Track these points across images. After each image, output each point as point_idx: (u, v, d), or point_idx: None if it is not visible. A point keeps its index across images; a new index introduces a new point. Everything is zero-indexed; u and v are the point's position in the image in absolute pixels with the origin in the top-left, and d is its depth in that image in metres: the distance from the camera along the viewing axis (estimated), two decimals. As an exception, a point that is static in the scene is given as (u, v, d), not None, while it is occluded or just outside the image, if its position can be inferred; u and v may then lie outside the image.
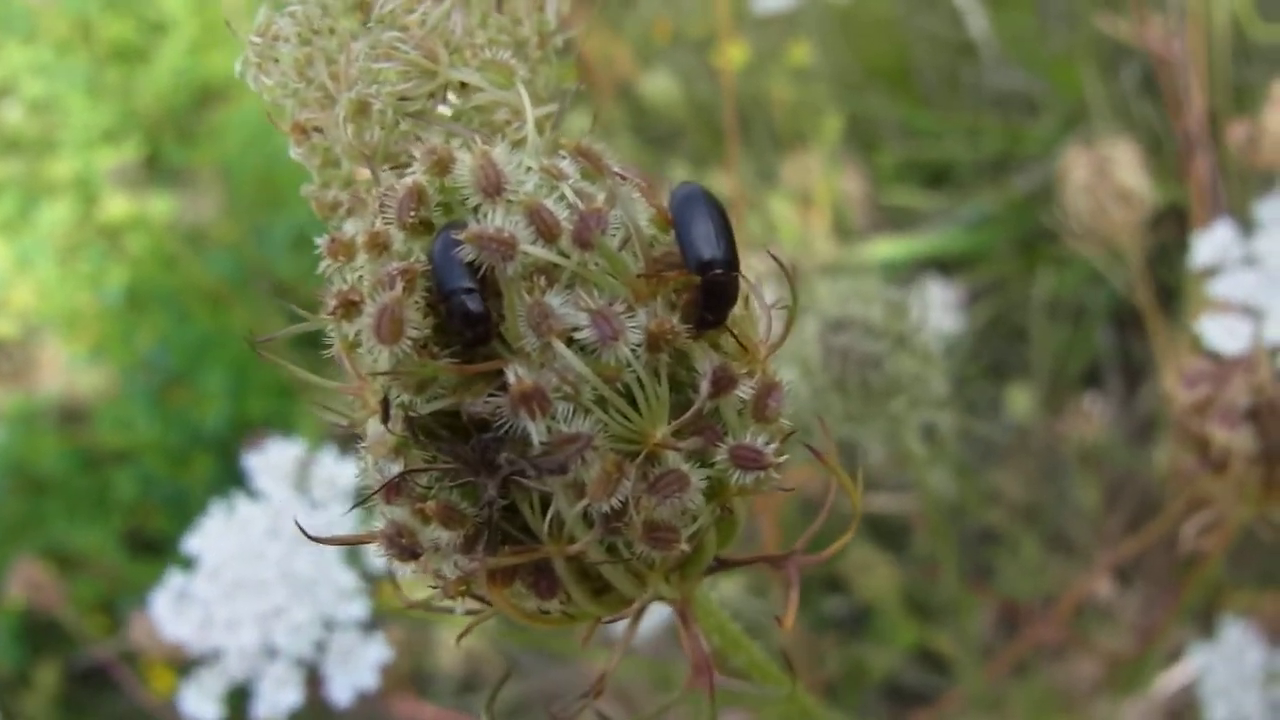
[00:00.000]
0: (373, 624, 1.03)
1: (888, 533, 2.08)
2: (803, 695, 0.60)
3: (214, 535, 1.08)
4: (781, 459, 0.39)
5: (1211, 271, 1.18)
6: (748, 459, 0.38)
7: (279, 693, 0.98)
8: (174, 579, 1.07)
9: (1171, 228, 1.90)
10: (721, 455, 0.39)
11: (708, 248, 0.39)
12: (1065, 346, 2.25)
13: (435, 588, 0.40)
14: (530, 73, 0.48)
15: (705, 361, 0.38)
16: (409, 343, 0.36)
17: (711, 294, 0.39)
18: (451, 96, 0.45)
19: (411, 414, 0.37)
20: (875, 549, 1.90)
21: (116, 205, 2.76)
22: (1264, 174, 1.63)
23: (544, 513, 0.38)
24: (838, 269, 2.30)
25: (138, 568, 2.37)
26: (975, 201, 2.39)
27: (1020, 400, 2.05)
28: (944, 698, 1.86)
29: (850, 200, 2.41)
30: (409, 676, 1.66)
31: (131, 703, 2.00)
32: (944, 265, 2.35)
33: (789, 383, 0.44)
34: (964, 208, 2.41)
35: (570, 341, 0.36)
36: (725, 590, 1.67)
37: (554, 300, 0.36)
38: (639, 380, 0.37)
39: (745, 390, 0.39)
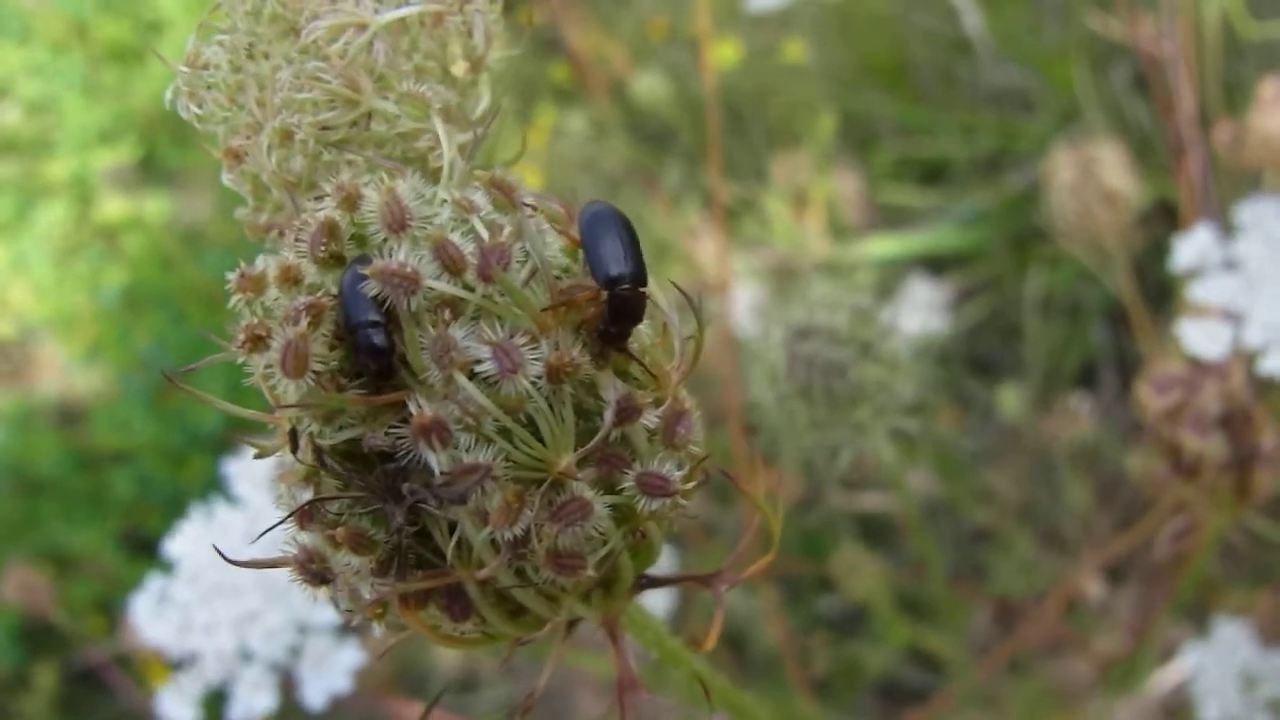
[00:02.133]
0: (353, 629, 1.04)
1: (878, 531, 2.09)
2: (747, 706, 0.60)
3: (194, 538, 1.09)
4: (690, 485, 0.39)
5: (1192, 275, 1.18)
6: (654, 486, 0.39)
7: (254, 696, 0.99)
8: (154, 582, 1.08)
9: (1164, 224, 1.89)
10: (629, 482, 0.39)
11: (615, 264, 0.40)
12: (1060, 344, 2.25)
13: (350, 611, 0.40)
14: (461, 95, 0.49)
15: (610, 390, 0.39)
16: (314, 376, 0.37)
17: (617, 310, 0.40)
18: (375, 124, 0.46)
19: (320, 444, 0.38)
20: (865, 548, 1.91)
21: (113, 206, 2.77)
22: (1254, 173, 1.63)
23: (453, 536, 0.38)
24: (832, 267, 2.30)
25: (135, 568, 2.38)
26: (970, 199, 2.39)
27: (1011, 398, 2.05)
28: (938, 696, 1.86)
29: (845, 198, 2.41)
30: (401, 679, 1.67)
31: (130, 703, 2.01)
32: (939, 263, 2.35)
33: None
34: (959, 205, 2.40)
35: (472, 374, 0.36)
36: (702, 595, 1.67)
37: (457, 333, 0.36)
38: (543, 410, 0.37)
39: (651, 418, 0.40)
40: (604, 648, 0.47)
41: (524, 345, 0.37)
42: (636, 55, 2.55)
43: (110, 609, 2.37)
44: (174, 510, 2.38)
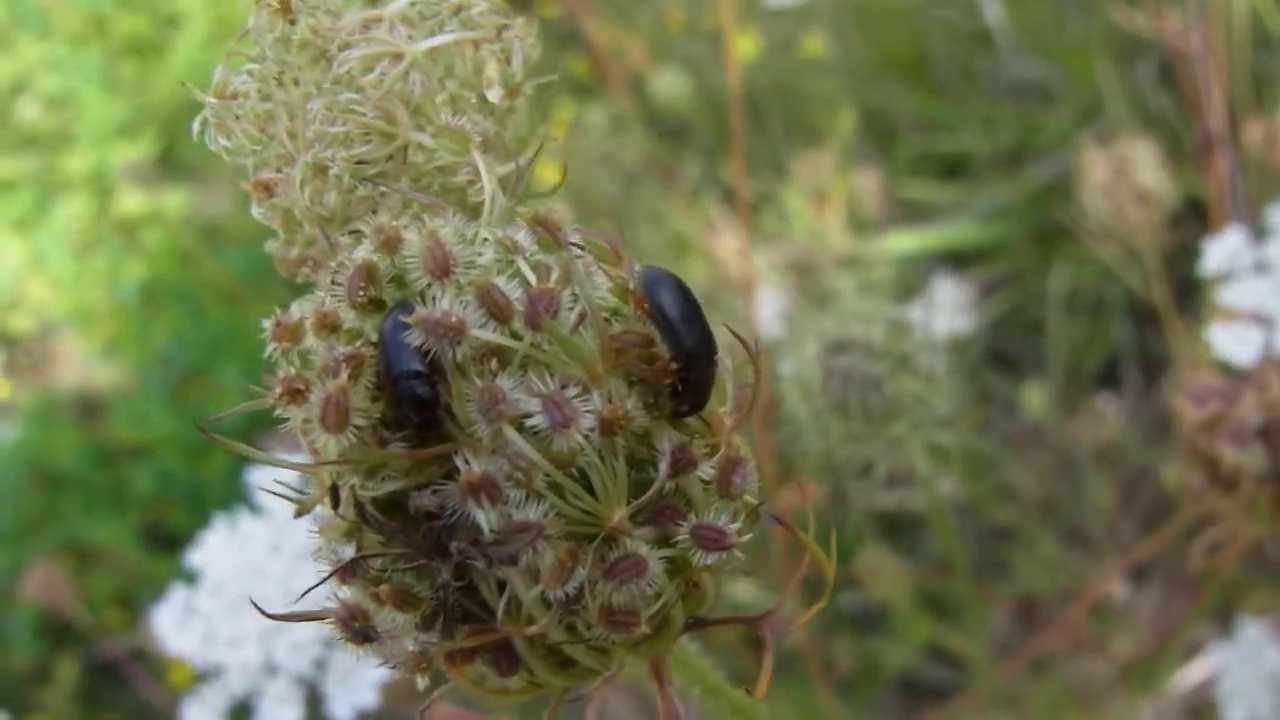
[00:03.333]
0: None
1: (901, 529, 2.07)
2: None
3: (217, 550, 1.08)
4: (744, 538, 0.38)
5: (1223, 278, 1.16)
6: (710, 539, 0.37)
7: (279, 710, 0.98)
8: (178, 592, 1.07)
9: (1191, 222, 1.87)
10: (683, 535, 0.38)
11: (690, 336, 0.39)
12: (1082, 341, 2.23)
13: (393, 666, 0.39)
14: (498, 124, 0.47)
15: (664, 440, 0.37)
16: (356, 430, 0.35)
17: (694, 385, 0.39)
18: (412, 155, 0.44)
19: (361, 498, 0.37)
20: (888, 546, 1.89)
21: (132, 200, 2.77)
22: (1282, 172, 1.61)
23: (502, 592, 0.37)
24: (853, 262, 2.28)
25: (155, 562, 2.38)
26: (991, 193, 2.36)
27: (1035, 397, 2.03)
28: (960, 695, 1.85)
29: (865, 193, 2.40)
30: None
31: (150, 697, 2.01)
32: (960, 258, 2.33)
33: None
34: (979, 200, 2.38)
35: (521, 428, 0.35)
36: (738, 592, 1.67)
37: (505, 384, 0.35)
38: (596, 463, 0.36)
39: (707, 470, 0.38)
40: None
41: (575, 397, 0.35)
42: (655, 49, 2.54)
43: (130, 603, 2.38)
44: (194, 505, 2.39)
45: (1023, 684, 1.84)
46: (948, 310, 1.96)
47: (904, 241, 2.32)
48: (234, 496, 1.14)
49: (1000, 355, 2.28)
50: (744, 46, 2.30)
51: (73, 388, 2.71)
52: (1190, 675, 1.62)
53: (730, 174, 2.38)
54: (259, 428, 2.49)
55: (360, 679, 0.99)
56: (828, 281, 2.05)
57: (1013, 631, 1.99)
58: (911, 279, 2.24)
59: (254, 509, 1.10)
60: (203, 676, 1.04)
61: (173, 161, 2.91)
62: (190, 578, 1.09)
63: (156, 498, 2.51)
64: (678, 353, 0.39)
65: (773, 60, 2.46)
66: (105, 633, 2.14)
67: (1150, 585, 1.95)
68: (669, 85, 1.92)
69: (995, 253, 2.37)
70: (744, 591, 1.69)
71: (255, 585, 1.04)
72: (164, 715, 2.04)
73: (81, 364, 2.73)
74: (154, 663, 1.97)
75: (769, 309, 1.91)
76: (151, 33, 2.99)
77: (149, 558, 2.42)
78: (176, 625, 1.05)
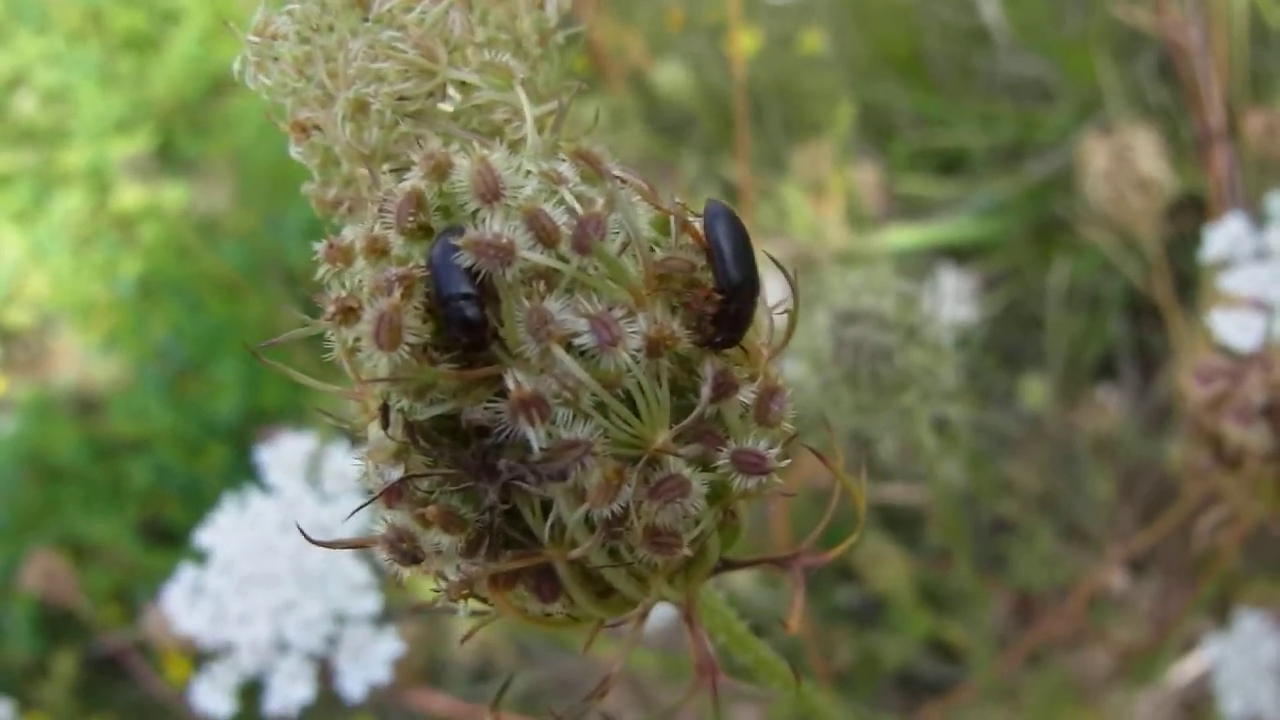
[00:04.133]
0: (385, 618, 1.03)
1: (900, 523, 2.08)
2: (810, 693, 0.59)
3: (226, 529, 1.08)
4: (784, 463, 0.39)
5: (1223, 265, 1.17)
6: (750, 464, 0.38)
7: (291, 687, 0.99)
8: (187, 572, 1.07)
9: (1189, 216, 1.88)
10: (724, 460, 0.38)
11: (738, 271, 0.40)
12: (1080, 335, 2.24)
13: (438, 590, 0.39)
14: (531, 69, 0.48)
15: (707, 366, 0.38)
16: (407, 349, 0.36)
17: (733, 318, 0.39)
18: (452, 93, 0.45)
19: (411, 419, 0.37)
20: (887, 540, 1.90)
21: (130, 195, 2.77)
22: (1281, 163, 1.61)
23: (545, 517, 0.37)
24: (851, 258, 2.29)
25: (153, 557, 2.38)
26: (989, 189, 2.37)
27: (1035, 390, 2.04)
28: (957, 688, 1.85)
29: (863, 188, 2.40)
30: (422, 668, 1.66)
31: (149, 691, 2.01)
32: (958, 253, 2.34)
33: (792, 385, 0.43)
34: (978, 195, 2.39)
35: (569, 347, 0.35)
36: (736, 582, 1.67)
37: (553, 306, 0.35)
38: (639, 385, 0.37)
39: (747, 394, 0.39)
40: (615, 638, 0.46)
41: (622, 318, 0.36)
42: (654, 45, 2.54)
43: (128, 598, 2.37)
44: (191, 500, 2.39)
45: (1020, 677, 1.84)
46: (949, 301, 1.96)
47: (903, 237, 2.33)
48: (231, 489, 1.14)
49: (999, 349, 2.29)
50: (743, 43, 2.31)
51: (70, 382, 2.71)
52: (1188, 667, 1.63)
53: (729, 169, 2.38)
54: (257, 423, 2.49)
55: (372, 655, 0.99)
56: (825, 277, 2.06)
57: (1011, 624, 2.00)
58: (910, 274, 2.24)
59: (264, 488, 1.10)
60: (211, 656, 1.04)
61: (170, 156, 2.91)
62: (199, 558, 1.09)
63: (154, 492, 2.50)
64: (724, 284, 0.39)
65: (772, 56, 2.47)
66: (103, 628, 2.14)
67: (1148, 577, 1.96)
68: (671, 78, 1.92)
69: (994, 248, 2.38)
70: (744, 586, 1.70)
71: (265, 562, 1.04)
72: (163, 709, 2.04)
73: (79, 358, 2.73)
74: (153, 657, 1.96)
75: (772, 293, 1.91)
76: (149, 28, 2.99)
77: (146, 553, 2.41)
78: (186, 604, 1.05)
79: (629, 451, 0.37)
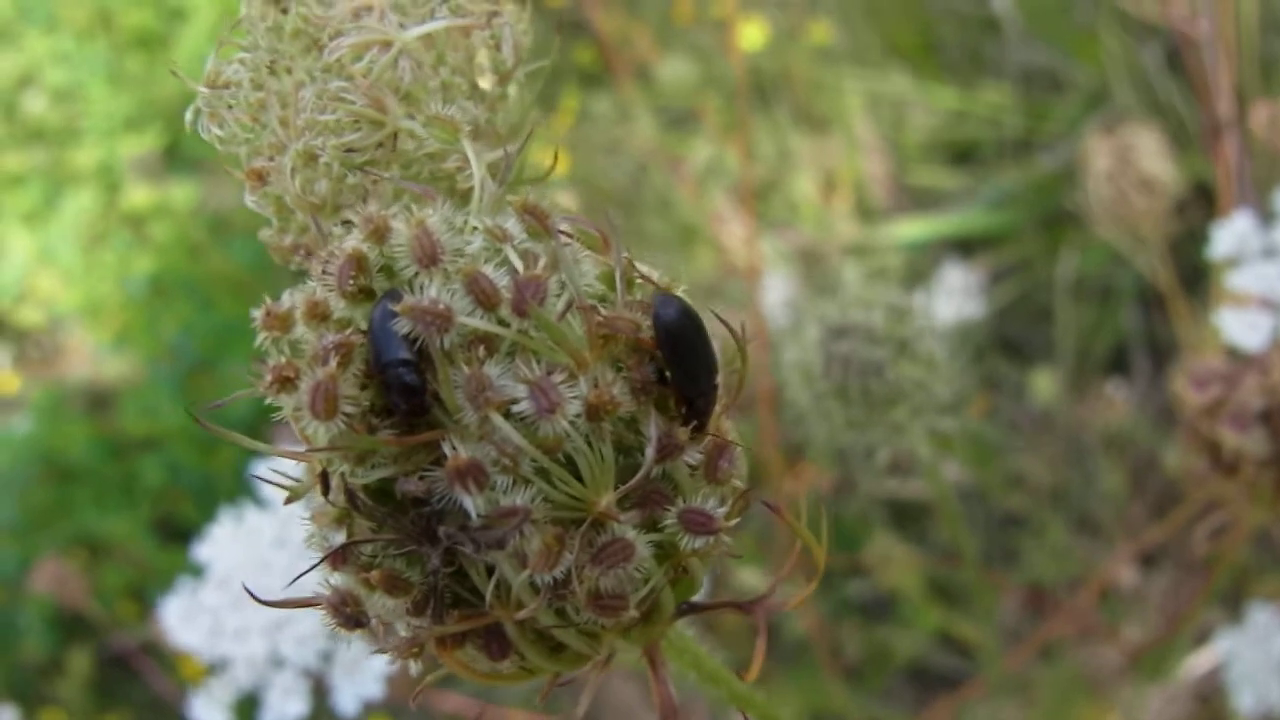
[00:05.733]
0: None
1: (908, 516, 2.07)
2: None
3: (223, 543, 1.08)
4: (732, 523, 0.38)
5: (1231, 262, 1.15)
6: (697, 523, 0.38)
7: (286, 702, 0.99)
8: (184, 586, 1.08)
9: (1199, 207, 1.86)
10: (671, 519, 0.38)
11: (694, 385, 0.39)
12: (1090, 327, 2.22)
13: (384, 652, 0.39)
14: (490, 110, 0.47)
15: (651, 425, 0.37)
16: (345, 417, 0.36)
17: (700, 413, 0.39)
18: (402, 142, 0.44)
19: (351, 485, 0.37)
20: (896, 534, 1.89)
21: (140, 194, 2.77)
22: (1291, 155, 1.59)
23: (491, 576, 0.37)
24: (861, 249, 2.27)
25: (166, 555, 2.39)
26: (999, 180, 2.36)
27: (1045, 383, 2.03)
28: (969, 682, 1.85)
29: (873, 180, 2.39)
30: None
31: (161, 688, 2.02)
32: (967, 245, 2.33)
33: (740, 445, 0.43)
34: (987, 186, 2.37)
35: (508, 414, 0.35)
36: (741, 578, 1.67)
37: (492, 371, 0.35)
38: (584, 447, 0.36)
39: (695, 454, 0.38)
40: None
41: (562, 383, 0.35)
42: (661, 38, 2.53)
43: (142, 595, 2.38)
44: (205, 497, 2.39)
45: (1032, 671, 1.84)
46: (957, 296, 1.95)
47: (912, 229, 2.31)
48: (243, 488, 1.14)
49: (1009, 342, 2.27)
50: (751, 34, 2.30)
51: (82, 380, 2.72)
52: (1200, 661, 1.62)
53: (737, 162, 2.37)
54: (268, 419, 2.49)
55: (366, 671, 0.99)
56: (835, 269, 2.05)
57: (1022, 619, 1.99)
58: (920, 266, 2.23)
59: (259, 502, 1.11)
60: (211, 669, 1.04)
61: (180, 154, 2.92)
62: (198, 571, 1.09)
63: (166, 489, 2.51)
64: (685, 395, 0.39)
65: (780, 47, 2.46)
66: (117, 626, 2.15)
67: (1159, 571, 1.94)
68: (674, 72, 1.91)
69: (1003, 240, 2.36)
70: (751, 580, 1.69)
71: (260, 578, 1.04)
72: (175, 708, 2.05)
73: (91, 357, 2.74)
74: (165, 656, 1.98)
75: (775, 295, 1.91)
76: (157, 26, 3.00)
77: (160, 550, 2.43)
78: (183, 618, 1.06)
79: (572, 515, 0.36)
